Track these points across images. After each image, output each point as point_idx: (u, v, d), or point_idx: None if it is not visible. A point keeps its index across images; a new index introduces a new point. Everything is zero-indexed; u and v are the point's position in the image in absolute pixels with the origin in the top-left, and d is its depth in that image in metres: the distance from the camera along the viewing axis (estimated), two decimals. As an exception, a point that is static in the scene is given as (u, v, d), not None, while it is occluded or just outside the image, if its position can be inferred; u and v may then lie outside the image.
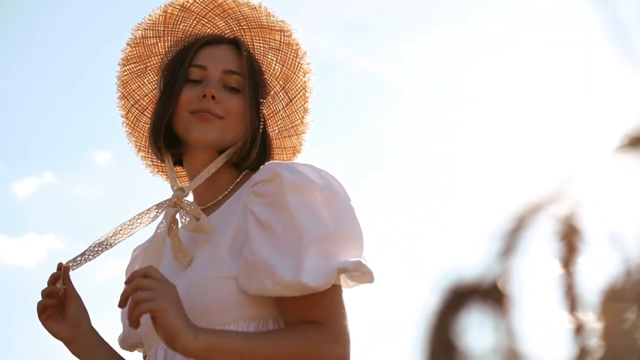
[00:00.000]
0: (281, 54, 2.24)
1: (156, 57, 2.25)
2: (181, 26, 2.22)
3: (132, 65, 2.27)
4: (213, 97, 2.06)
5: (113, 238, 2.16)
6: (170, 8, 2.21)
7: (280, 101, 2.28)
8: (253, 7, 2.21)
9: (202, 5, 2.21)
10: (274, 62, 2.24)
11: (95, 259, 2.15)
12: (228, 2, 2.20)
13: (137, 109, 2.31)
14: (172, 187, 2.13)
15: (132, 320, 1.71)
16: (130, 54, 2.26)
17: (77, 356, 2.13)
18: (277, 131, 2.29)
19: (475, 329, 0.65)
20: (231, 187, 2.10)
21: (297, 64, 2.25)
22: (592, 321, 0.77)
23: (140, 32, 2.24)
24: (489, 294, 0.64)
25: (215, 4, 2.21)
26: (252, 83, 2.15)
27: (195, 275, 1.95)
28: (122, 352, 2.25)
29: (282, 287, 1.79)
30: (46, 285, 2.12)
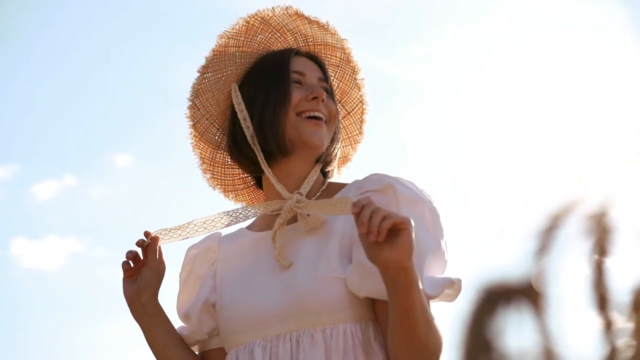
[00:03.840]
0: (340, 70, 2.35)
1: (232, 67, 2.27)
2: (258, 38, 2.28)
3: (210, 74, 2.28)
4: (323, 100, 2.16)
5: (213, 224, 2.21)
6: (252, 19, 2.26)
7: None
8: (322, 25, 2.30)
9: (279, 20, 2.27)
10: (332, 77, 2.34)
11: (187, 239, 2.20)
12: (301, 19, 2.28)
13: (207, 119, 2.31)
14: (284, 194, 2.14)
15: (382, 233, 1.71)
16: (211, 61, 2.27)
17: (135, 320, 2.19)
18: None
19: (512, 328, 0.65)
20: (318, 194, 2.18)
21: (353, 79, 2.36)
22: (623, 320, 0.77)
23: (224, 40, 2.26)
24: (525, 294, 0.64)
25: (290, 20, 2.28)
26: (332, 90, 2.27)
27: (303, 275, 2.00)
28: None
29: None
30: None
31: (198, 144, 2.34)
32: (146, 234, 2.16)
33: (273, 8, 2.27)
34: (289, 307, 1.99)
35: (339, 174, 2.39)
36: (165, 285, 2.24)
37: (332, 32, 2.31)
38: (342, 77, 2.36)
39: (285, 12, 2.27)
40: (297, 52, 2.27)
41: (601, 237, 0.70)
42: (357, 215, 1.76)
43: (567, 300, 0.70)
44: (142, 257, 2.16)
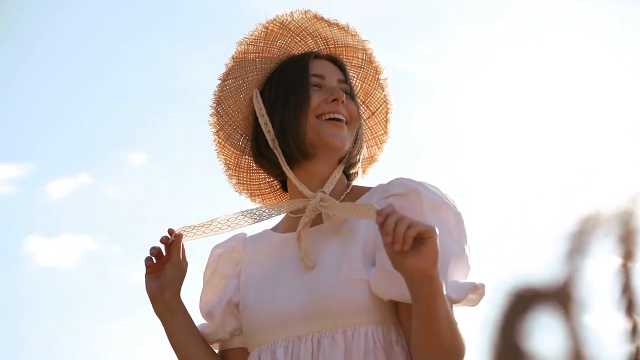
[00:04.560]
0: (362, 71, 2.33)
1: (252, 73, 2.27)
2: (278, 43, 2.27)
3: (231, 81, 2.28)
4: (343, 101, 2.15)
5: (236, 222, 2.20)
6: (271, 25, 2.26)
7: (361, 115, 2.34)
8: (342, 27, 2.28)
9: (298, 24, 2.26)
10: (355, 79, 2.33)
11: (210, 236, 2.20)
12: (320, 22, 2.27)
13: (230, 125, 2.31)
14: (307, 194, 2.13)
15: (407, 242, 1.71)
16: (231, 68, 2.28)
17: (157, 316, 2.18)
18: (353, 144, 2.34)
19: (541, 331, 0.64)
20: (342, 197, 2.16)
21: (376, 79, 2.34)
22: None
23: (243, 47, 2.26)
24: (554, 297, 0.63)
25: (309, 23, 2.27)
26: (354, 90, 2.26)
27: (326, 276, 2.00)
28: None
29: None
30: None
31: (222, 150, 2.35)
32: (170, 231, 2.15)
33: (292, 13, 2.26)
34: (311, 308, 1.99)
35: (366, 175, 2.39)
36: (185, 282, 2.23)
37: (353, 33, 2.29)
38: (365, 77, 2.34)
39: (304, 16, 2.26)
40: (317, 55, 2.27)
41: (627, 240, 0.68)
42: (382, 225, 1.75)
43: (595, 303, 0.69)
44: (164, 254, 2.15)
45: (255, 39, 2.26)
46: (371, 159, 2.40)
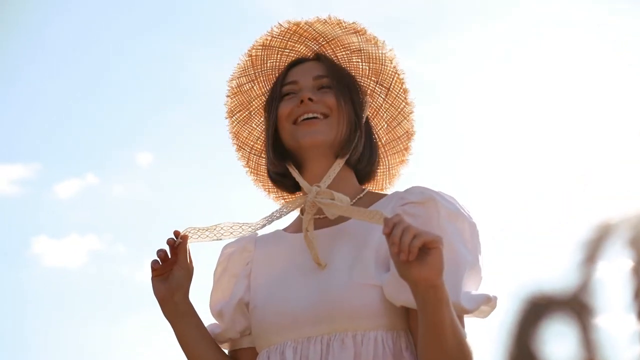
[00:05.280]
0: (364, 52, 2.26)
1: (256, 100, 2.32)
2: (269, 64, 2.29)
3: (237, 115, 2.34)
4: (310, 99, 2.13)
5: (240, 229, 2.18)
6: (254, 51, 2.28)
7: (379, 95, 2.30)
8: (324, 21, 2.24)
9: (280, 38, 2.26)
10: (360, 63, 2.27)
11: (213, 241, 2.17)
12: (301, 26, 2.25)
13: (254, 154, 2.36)
14: (305, 188, 2.13)
15: (412, 252, 1.69)
16: (232, 104, 2.33)
17: (166, 319, 2.16)
18: (385, 126, 2.32)
19: (555, 339, 0.63)
20: (354, 201, 2.13)
21: (381, 55, 2.26)
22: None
23: (234, 81, 2.31)
24: (569, 304, 0.62)
25: (291, 32, 2.26)
26: (339, 79, 2.20)
27: (337, 279, 1.99)
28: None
29: None
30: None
31: (258, 179, 2.39)
32: (176, 233, 2.13)
33: (270, 31, 2.27)
34: (322, 309, 1.98)
35: (410, 153, 2.33)
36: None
37: (337, 22, 2.24)
38: (369, 58, 2.27)
39: (282, 29, 2.26)
40: (299, 61, 2.26)
41: (638, 244, 0.67)
42: (388, 235, 1.73)
43: (607, 306, 0.68)
44: (170, 256, 2.13)
45: (244, 70, 2.29)
46: (407, 134, 2.32)
